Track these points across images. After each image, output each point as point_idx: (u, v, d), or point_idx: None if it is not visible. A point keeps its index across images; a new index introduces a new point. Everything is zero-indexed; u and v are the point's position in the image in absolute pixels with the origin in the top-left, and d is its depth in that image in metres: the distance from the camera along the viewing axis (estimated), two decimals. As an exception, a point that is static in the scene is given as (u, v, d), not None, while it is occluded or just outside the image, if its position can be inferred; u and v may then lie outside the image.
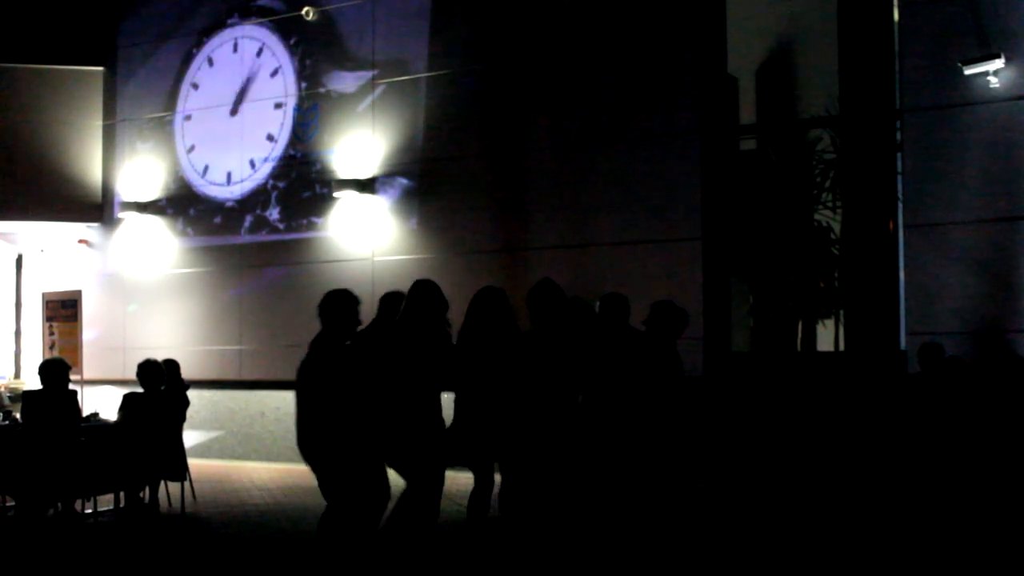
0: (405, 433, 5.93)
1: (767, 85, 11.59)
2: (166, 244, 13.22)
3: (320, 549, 5.81)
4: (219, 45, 13.09)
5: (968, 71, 8.77)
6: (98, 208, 13.73)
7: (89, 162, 13.75)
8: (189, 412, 8.95)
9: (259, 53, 12.76)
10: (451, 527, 6.71)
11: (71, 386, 8.43)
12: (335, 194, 11.86)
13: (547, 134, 10.88)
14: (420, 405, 5.97)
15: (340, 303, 5.84)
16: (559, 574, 6.17)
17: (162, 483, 8.65)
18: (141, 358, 8.76)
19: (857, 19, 10.31)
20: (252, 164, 12.69)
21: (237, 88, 12.88)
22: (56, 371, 8.21)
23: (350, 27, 12.07)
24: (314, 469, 5.79)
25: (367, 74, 11.93)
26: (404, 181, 11.64)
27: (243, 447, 12.30)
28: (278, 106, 12.55)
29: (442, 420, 6.08)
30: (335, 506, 5.80)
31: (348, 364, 5.81)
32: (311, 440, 5.75)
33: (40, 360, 9.31)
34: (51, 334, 12.58)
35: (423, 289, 6.13)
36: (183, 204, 13.14)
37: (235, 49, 12.97)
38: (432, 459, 5.99)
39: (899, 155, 9.48)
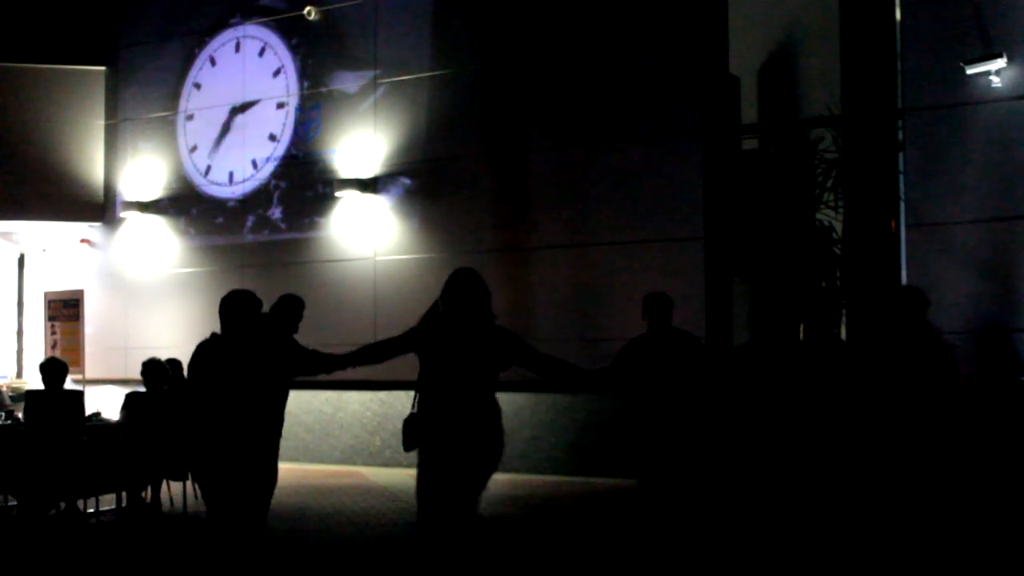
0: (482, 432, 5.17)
1: (769, 84, 11.58)
2: (168, 244, 13.22)
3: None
4: (221, 45, 13.09)
5: (970, 71, 8.76)
6: (100, 208, 13.74)
7: (91, 162, 13.76)
8: (191, 412, 8.94)
9: (261, 53, 12.77)
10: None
11: (75, 387, 8.45)
12: (337, 194, 11.87)
13: (548, 134, 10.88)
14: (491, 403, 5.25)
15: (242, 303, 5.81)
16: None
17: (164, 482, 8.67)
18: (143, 358, 8.79)
19: (859, 18, 10.28)
20: (254, 164, 12.69)
21: (239, 88, 12.89)
22: (56, 370, 8.24)
23: (352, 27, 12.07)
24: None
25: (369, 74, 11.93)
26: (406, 181, 11.64)
27: (245, 446, 12.30)
28: (280, 106, 12.55)
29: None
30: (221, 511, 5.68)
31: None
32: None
33: (41, 359, 9.34)
34: (53, 333, 12.60)
35: (463, 279, 5.20)
36: (185, 204, 13.15)
37: (237, 49, 12.97)
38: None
39: (901, 154, 9.46)
